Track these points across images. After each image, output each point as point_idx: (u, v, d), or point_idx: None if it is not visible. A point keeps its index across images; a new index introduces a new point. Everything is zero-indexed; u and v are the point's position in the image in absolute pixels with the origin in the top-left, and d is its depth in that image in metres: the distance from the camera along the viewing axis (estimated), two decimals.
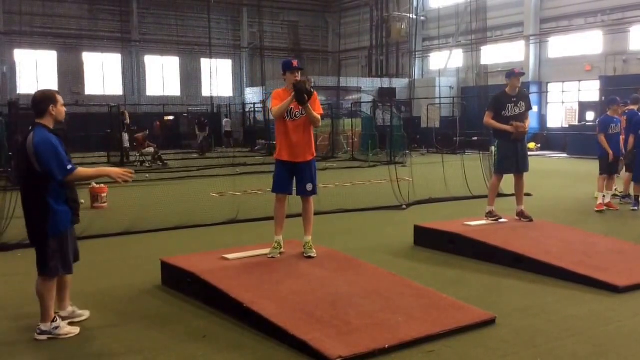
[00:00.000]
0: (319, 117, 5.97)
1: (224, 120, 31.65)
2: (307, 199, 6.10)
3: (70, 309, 4.87)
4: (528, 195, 12.06)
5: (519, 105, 7.58)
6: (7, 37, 29.73)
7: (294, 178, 6.07)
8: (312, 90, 5.81)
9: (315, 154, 6.13)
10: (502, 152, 7.79)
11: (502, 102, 7.62)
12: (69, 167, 4.44)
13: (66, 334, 4.51)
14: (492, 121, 7.63)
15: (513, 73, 7.70)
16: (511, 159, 7.70)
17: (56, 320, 4.53)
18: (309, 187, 6.01)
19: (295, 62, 6.01)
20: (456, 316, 4.63)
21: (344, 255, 6.29)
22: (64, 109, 4.67)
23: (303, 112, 5.88)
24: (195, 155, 25.72)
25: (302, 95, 5.71)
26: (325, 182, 14.53)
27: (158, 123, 21.30)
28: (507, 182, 12.59)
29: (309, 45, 39.99)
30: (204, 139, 27.37)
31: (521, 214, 7.78)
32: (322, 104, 22.59)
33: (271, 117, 25.94)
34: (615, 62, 24.32)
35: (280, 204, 6.15)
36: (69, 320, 4.77)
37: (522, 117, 7.66)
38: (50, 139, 4.43)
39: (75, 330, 4.60)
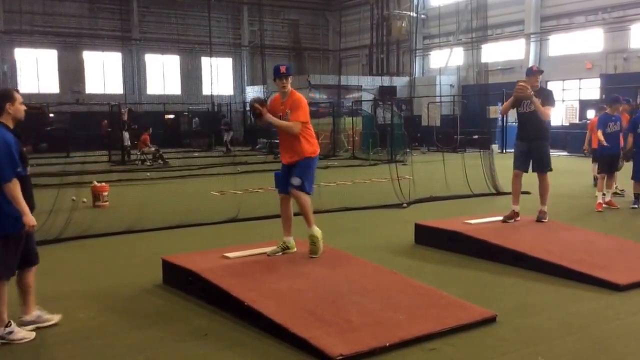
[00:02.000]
0: (287, 125, 5.93)
1: (194, 120, 31.23)
2: (294, 194, 5.95)
3: (36, 312, 4.71)
4: (527, 193, 12.10)
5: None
6: (7, 35, 29.76)
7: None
8: (263, 102, 6.02)
9: (306, 155, 5.99)
10: (515, 150, 7.94)
11: (519, 98, 7.61)
12: (19, 169, 4.34)
13: (20, 339, 4.40)
14: (505, 104, 7.76)
15: (531, 71, 7.75)
16: (521, 158, 7.72)
17: (10, 325, 4.42)
18: (294, 180, 5.90)
19: (282, 68, 6.00)
20: (457, 314, 4.64)
21: (345, 253, 6.30)
22: (22, 107, 4.56)
23: (286, 117, 5.97)
24: (196, 154, 25.78)
25: (253, 113, 6.01)
26: (326, 181, 14.53)
27: (105, 122, 20.79)
28: (505, 180, 12.56)
29: (310, 43, 39.99)
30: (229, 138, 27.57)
31: (538, 213, 7.72)
32: (322, 103, 22.57)
33: None
34: (615, 60, 24.31)
35: (282, 204, 6.16)
36: (35, 326, 4.63)
37: (536, 114, 7.58)
38: (6, 138, 4.36)
39: (31, 335, 4.46)
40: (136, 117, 25.14)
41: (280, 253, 5.98)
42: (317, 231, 6.00)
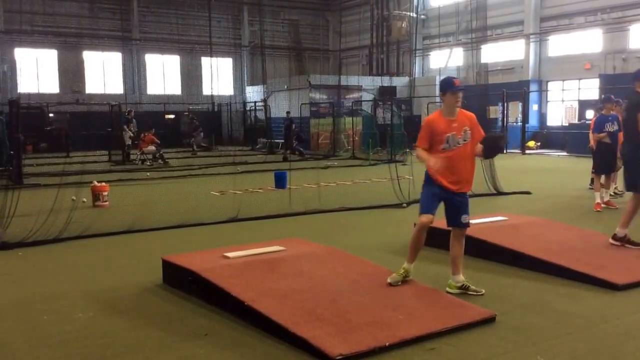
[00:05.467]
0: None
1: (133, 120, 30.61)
2: (462, 234, 5.50)
3: None
4: (527, 193, 12.12)
5: None
6: (7, 35, 29.77)
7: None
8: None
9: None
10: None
11: None
12: None
13: None
14: None
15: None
16: None
17: None
18: (466, 219, 5.40)
19: (457, 81, 5.42)
20: (456, 314, 4.65)
21: (345, 253, 6.31)
22: None
23: (465, 139, 5.28)
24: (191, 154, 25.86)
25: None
26: (326, 181, 14.56)
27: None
28: (505, 180, 12.57)
29: (310, 43, 40.02)
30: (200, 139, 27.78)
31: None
32: (322, 103, 22.55)
33: (271, 116, 25.79)
34: (614, 61, 24.34)
35: (422, 230, 5.33)
36: None
37: None
38: None
39: None
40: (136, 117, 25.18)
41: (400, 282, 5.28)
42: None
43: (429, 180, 5.35)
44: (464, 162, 5.29)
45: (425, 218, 5.23)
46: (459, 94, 5.31)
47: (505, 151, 22.98)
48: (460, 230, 5.48)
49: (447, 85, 5.34)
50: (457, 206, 5.36)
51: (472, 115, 5.49)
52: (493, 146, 5.36)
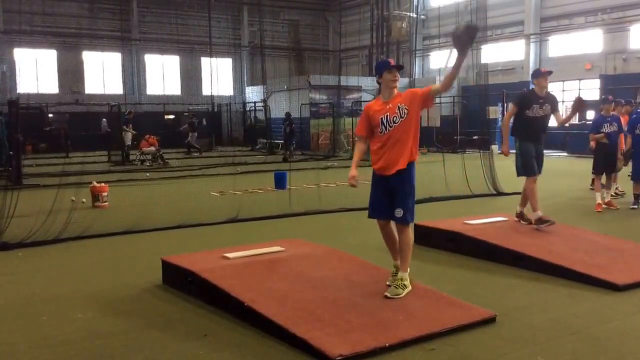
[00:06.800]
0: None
1: (103, 120, 29.07)
2: (398, 228, 5.11)
3: None
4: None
5: None
6: (7, 35, 29.78)
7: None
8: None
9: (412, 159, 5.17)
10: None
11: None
12: None
13: None
14: None
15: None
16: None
17: None
18: (398, 212, 5.02)
19: (392, 61, 5.29)
20: (456, 314, 4.64)
21: (345, 253, 6.31)
22: None
23: (402, 116, 5.11)
24: (196, 154, 25.87)
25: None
26: (326, 181, 14.55)
27: None
28: (505, 180, 12.58)
29: (310, 44, 40.03)
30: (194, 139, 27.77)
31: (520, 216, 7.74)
32: (322, 103, 22.56)
33: (271, 116, 25.77)
34: (615, 61, 24.36)
35: (381, 229, 5.31)
36: None
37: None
38: None
39: None
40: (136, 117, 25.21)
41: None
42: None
43: (372, 173, 5.24)
44: (399, 141, 5.12)
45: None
46: (396, 73, 5.15)
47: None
48: (397, 224, 5.07)
49: (383, 65, 5.21)
50: (392, 194, 5.13)
51: (410, 90, 5.30)
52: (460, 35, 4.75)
